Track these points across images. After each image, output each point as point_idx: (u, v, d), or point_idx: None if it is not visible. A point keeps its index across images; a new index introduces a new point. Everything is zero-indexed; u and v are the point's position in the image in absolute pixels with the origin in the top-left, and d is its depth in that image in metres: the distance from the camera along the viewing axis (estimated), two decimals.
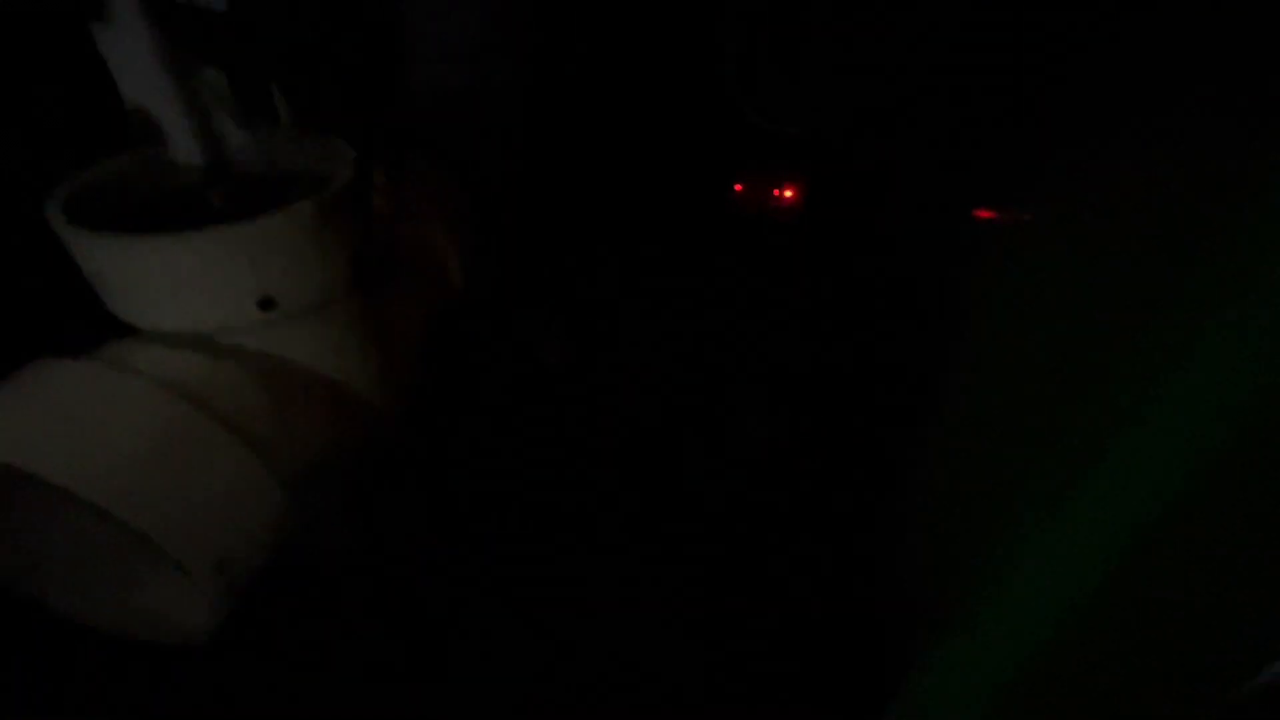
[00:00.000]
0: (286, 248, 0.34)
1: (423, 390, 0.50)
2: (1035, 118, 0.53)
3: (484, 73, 0.58)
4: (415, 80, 0.55)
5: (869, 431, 0.56)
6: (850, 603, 0.48)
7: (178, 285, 0.33)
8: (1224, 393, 0.20)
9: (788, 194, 0.69)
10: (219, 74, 0.33)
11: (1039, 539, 0.28)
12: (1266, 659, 0.25)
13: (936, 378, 0.50)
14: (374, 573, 0.44)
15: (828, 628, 0.47)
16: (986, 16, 0.55)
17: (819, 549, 0.50)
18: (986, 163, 0.61)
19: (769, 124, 0.54)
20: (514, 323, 0.55)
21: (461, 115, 0.57)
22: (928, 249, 0.63)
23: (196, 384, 0.33)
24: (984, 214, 0.65)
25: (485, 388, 0.52)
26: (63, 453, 0.28)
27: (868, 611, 0.47)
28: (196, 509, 0.30)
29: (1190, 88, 0.30)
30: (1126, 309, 0.29)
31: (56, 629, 0.35)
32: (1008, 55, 0.54)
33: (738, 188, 0.70)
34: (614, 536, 0.48)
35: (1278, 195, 0.18)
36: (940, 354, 0.53)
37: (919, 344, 0.58)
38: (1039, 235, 0.46)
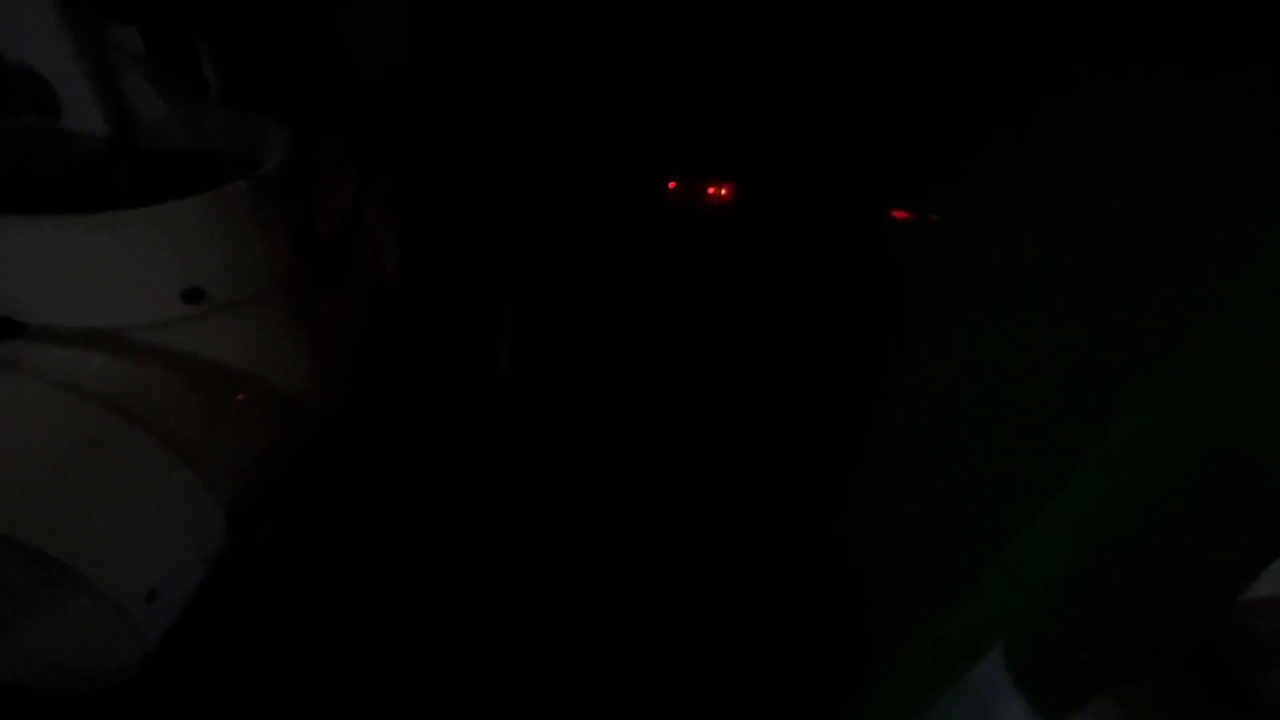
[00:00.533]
0: (218, 233, 0.30)
1: (358, 391, 0.46)
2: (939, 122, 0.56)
3: (416, 55, 0.55)
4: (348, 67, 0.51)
5: (808, 432, 0.58)
6: (811, 602, 0.49)
7: (85, 273, 0.29)
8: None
9: (721, 192, 0.70)
10: (132, 31, 0.29)
11: (1005, 537, 0.30)
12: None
13: (871, 378, 0.53)
14: (317, 594, 0.40)
15: (789, 626, 0.48)
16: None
17: (774, 548, 0.51)
18: (899, 163, 0.64)
19: (707, 115, 0.54)
20: (455, 322, 0.52)
21: (393, 101, 0.53)
22: (849, 247, 0.65)
23: (111, 387, 0.29)
24: (899, 214, 0.69)
25: (428, 388, 0.49)
26: None
27: (828, 610, 0.49)
28: (120, 529, 0.26)
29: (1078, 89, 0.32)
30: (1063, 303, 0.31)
31: None
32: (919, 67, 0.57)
33: (671, 185, 0.70)
34: (563, 535, 0.47)
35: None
36: (874, 353, 0.55)
37: (850, 341, 0.60)
38: (956, 235, 0.49)
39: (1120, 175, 0.28)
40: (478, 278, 0.56)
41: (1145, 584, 0.27)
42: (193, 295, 0.31)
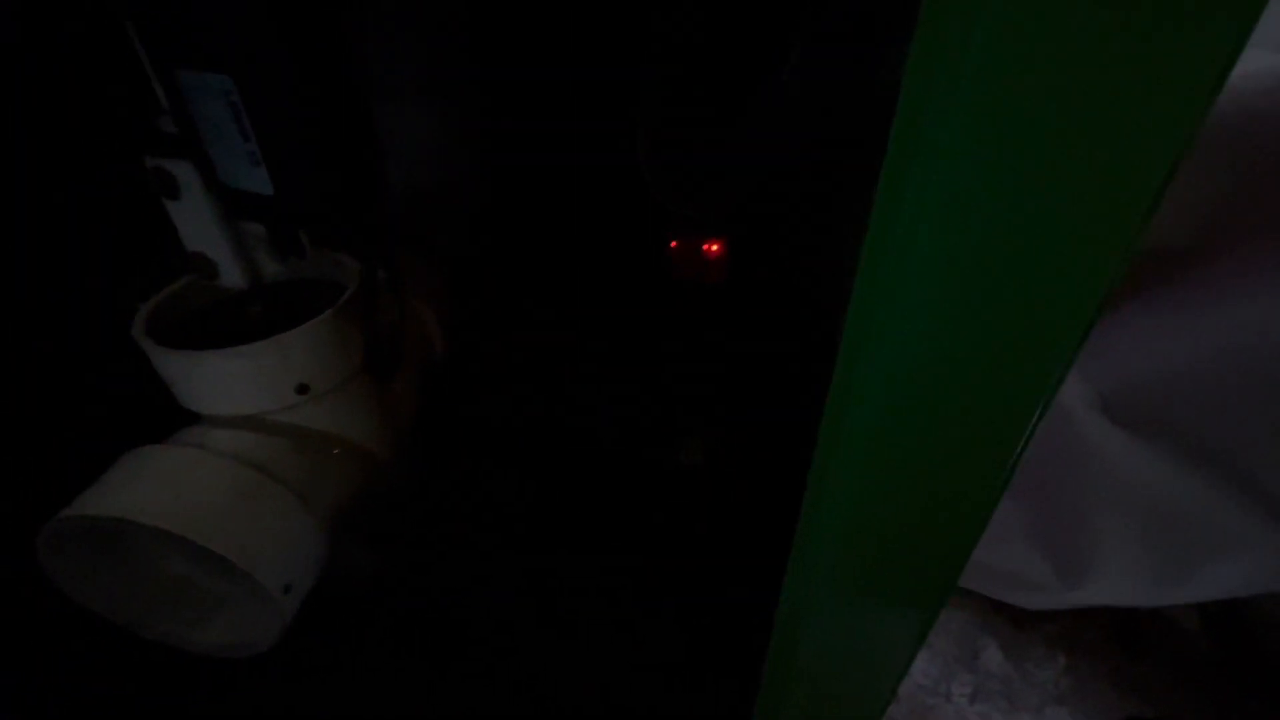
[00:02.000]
0: (316, 347, 0.46)
1: (417, 441, 0.62)
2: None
3: (449, 170, 0.71)
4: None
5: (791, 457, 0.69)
6: None
7: (235, 383, 0.45)
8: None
9: (714, 249, 0.82)
10: (259, 226, 0.45)
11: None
12: None
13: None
14: (387, 593, 0.55)
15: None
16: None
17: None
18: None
19: (671, 204, 0.67)
20: (490, 382, 0.67)
21: (433, 206, 0.70)
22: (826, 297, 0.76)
23: (255, 453, 0.45)
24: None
25: (470, 437, 0.64)
26: (171, 508, 0.39)
27: None
28: (268, 545, 0.42)
29: None
30: None
31: (149, 648, 0.46)
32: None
33: (673, 244, 0.83)
34: (582, 552, 0.60)
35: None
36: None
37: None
38: None
39: None
40: (505, 351, 0.71)
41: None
42: (302, 389, 0.46)
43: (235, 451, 0.44)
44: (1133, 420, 0.71)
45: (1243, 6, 0.18)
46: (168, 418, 0.47)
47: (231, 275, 0.47)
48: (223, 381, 0.44)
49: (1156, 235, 0.73)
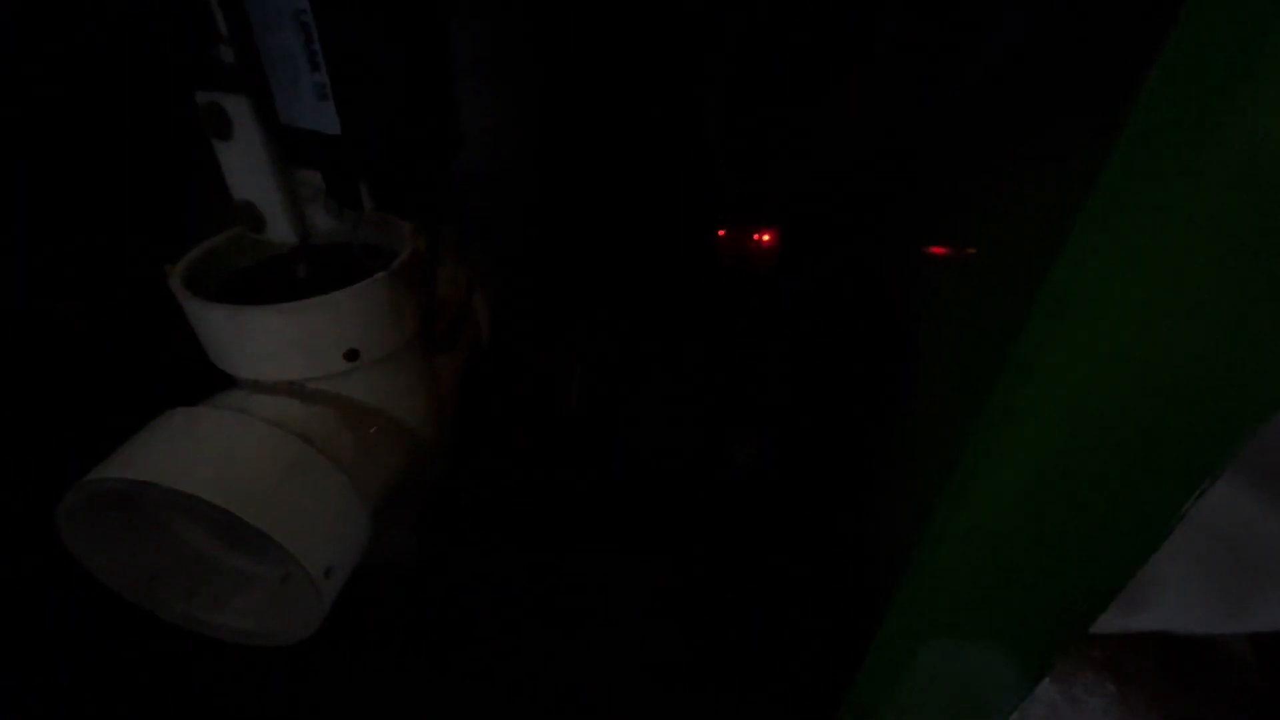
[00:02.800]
0: (369, 309, 0.42)
1: (458, 428, 0.58)
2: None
3: (498, 152, 0.67)
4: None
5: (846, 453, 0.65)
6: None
7: (281, 344, 0.41)
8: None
9: (765, 239, 0.79)
10: (314, 174, 0.42)
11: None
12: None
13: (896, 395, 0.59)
14: (429, 582, 0.51)
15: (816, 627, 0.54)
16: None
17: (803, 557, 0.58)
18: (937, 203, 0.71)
19: (741, 183, 0.63)
20: (535, 371, 0.63)
21: (483, 190, 0.66)
22: (889, 286, 0.72)
23: (300, 423, 0.41)
24: (937, 250, 0.75)
25: (512, 426, 0.60)
26: (211, 477, 0.35)
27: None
28: (312, 523, 0.37)
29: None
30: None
31: (167, 632, 0.42)
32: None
33: (720, 233, 0.80)
34: (623, 545, 0.56)
35: None
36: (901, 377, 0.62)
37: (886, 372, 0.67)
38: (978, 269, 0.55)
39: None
40: (552, 336, 0.67)
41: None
42: (351, 355, 0.42)
43: (280, 420, 0.40)
44: None
45: None
46: (196, 388, 0.43)
47: (280, 228, 0.43)
48: (267, 341, 0.40)
49: None
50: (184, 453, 0.36)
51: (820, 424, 0.65)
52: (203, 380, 0.44)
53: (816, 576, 0.56)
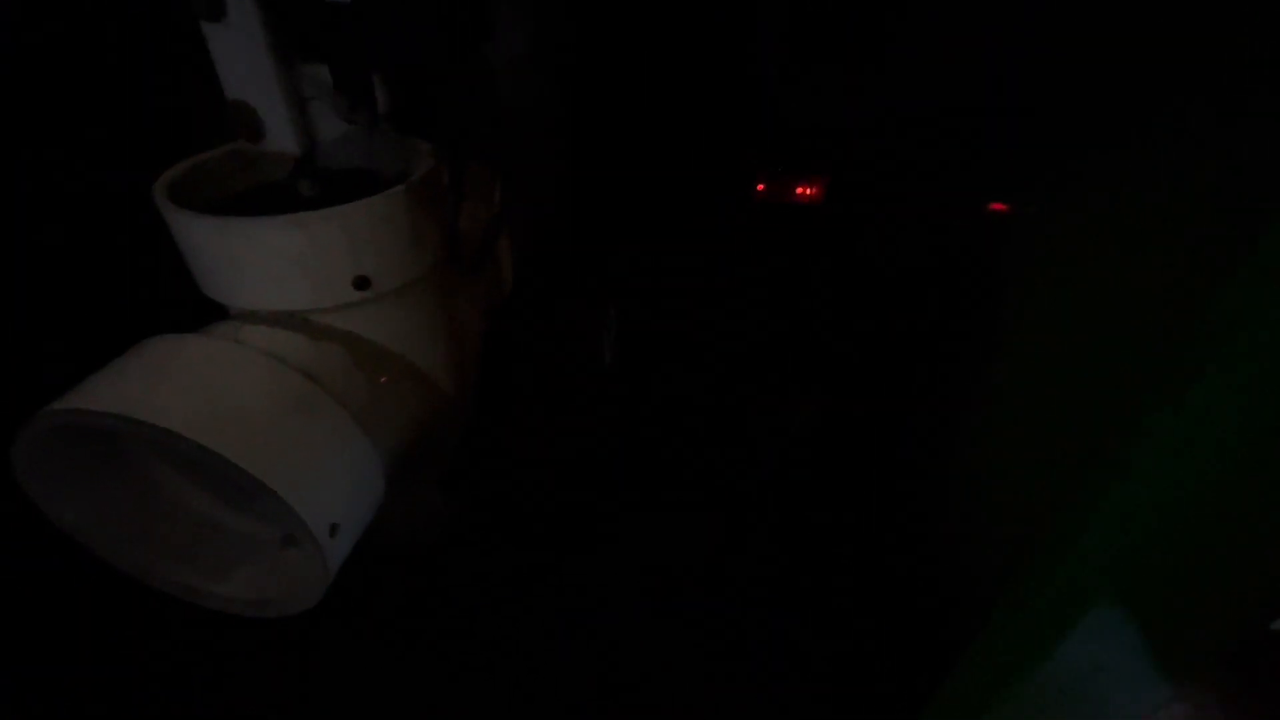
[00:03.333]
0: (384, 228, 0.36)
1: (476, 381, 0.51)
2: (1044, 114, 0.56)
3: (528, 84, 0.61)
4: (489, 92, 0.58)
5: (902, 417, 0.59)
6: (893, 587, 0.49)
7: (281, 265, 0.35)
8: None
9: (809, 191, 0.72)
10: (321, 68, 0.35)
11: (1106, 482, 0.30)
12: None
13: (966, 363, 0.53)
14: (452, 556, 0.45)
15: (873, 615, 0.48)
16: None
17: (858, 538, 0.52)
18: (995, 158, 0.64)
19: (800, 118, 0.57)
20: (566, 322, 0.57)
21: (511, 124, 0.60)
22: (943, 240, 0.66)
23: (303, 359, 0.35)
24: (997, 207, 0.69)
25: (541, 381, 0.54)
26: (196, 414, 0.29)
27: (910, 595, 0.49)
28: (315, 472, 0.32)
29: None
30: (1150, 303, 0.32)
31: (159, 603, 0.36)
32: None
33: (760, 186, 0.73)
34: (666, 518, 0.50)
35: None
36: (970, 338, 0.55)
37: (944, 328, 0.60)
38: (1058, 229, 0.49)
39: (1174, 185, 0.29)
40: (584, 278, 0.61)
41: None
42: (362, 283, 0.36)
43: (281, 353, 0.34)
44: None
45: None
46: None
47: (281, 136, 0.37)
48: (264, 261, 0.34)
49: None
50: (162, 385, 0.30)
51: (884, 392, 0.59)
52: (197, 317, 0.38)
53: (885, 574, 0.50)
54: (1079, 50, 0.48)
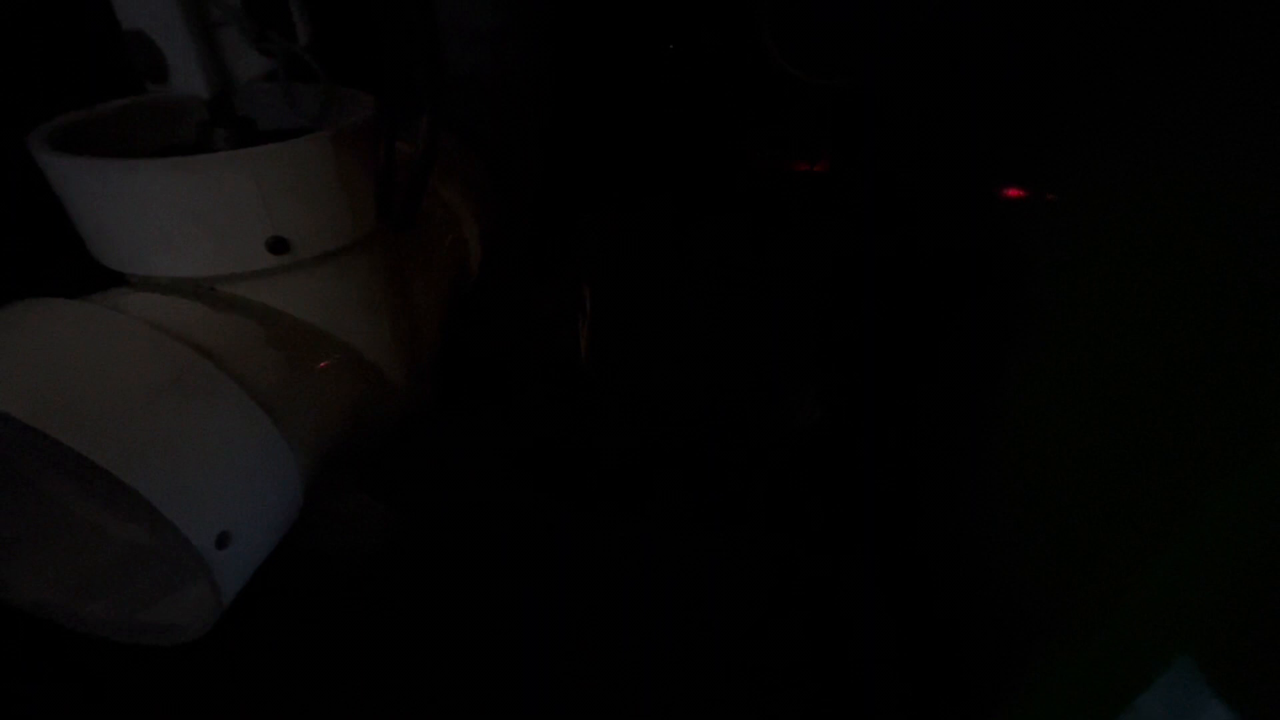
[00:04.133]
0: (301, 181, 0.30)
1: (439, 373, 0.46)
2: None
3: (503, 56, 0.56)
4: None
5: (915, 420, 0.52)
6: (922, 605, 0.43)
7: (178, 220, 0.29)
8: None
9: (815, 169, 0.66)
10: None
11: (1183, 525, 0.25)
12: None
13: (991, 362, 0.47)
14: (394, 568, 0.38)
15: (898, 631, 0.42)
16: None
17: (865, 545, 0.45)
18: (1008, 141, 0.59)
19: (798, 72, 0.51)
20: (539, 308, 0.51)
21: (482, 97, 0.55)
22: (955, 226, 0.60)
23: (198, 333, 0.29)
24: (1012, 193, 0.63)
25: (513, 372, 0.48)
26: (42, 392, 0.23)
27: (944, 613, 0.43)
28: (199, 468, 0.26)
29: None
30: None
31: (26, 628, 0.30)
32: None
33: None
34: (652, 523, 0.44)
35: None
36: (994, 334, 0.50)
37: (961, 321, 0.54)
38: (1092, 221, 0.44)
39: None
40: (562, 270, 0.55)
41: None
42: (278, 245, 0.31)
43: (170, 324, 0.28)
44: None
45: None
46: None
47: (189, 76, 0.32)
48: (156, 214, 0.29)
49: None
50: (13, 355, 0.25)
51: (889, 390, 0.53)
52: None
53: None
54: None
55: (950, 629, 0.41)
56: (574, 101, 0.57)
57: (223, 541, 0.26)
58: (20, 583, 0.30)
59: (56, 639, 0.31)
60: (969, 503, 0.44)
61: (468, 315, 0.49)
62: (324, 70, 0.32)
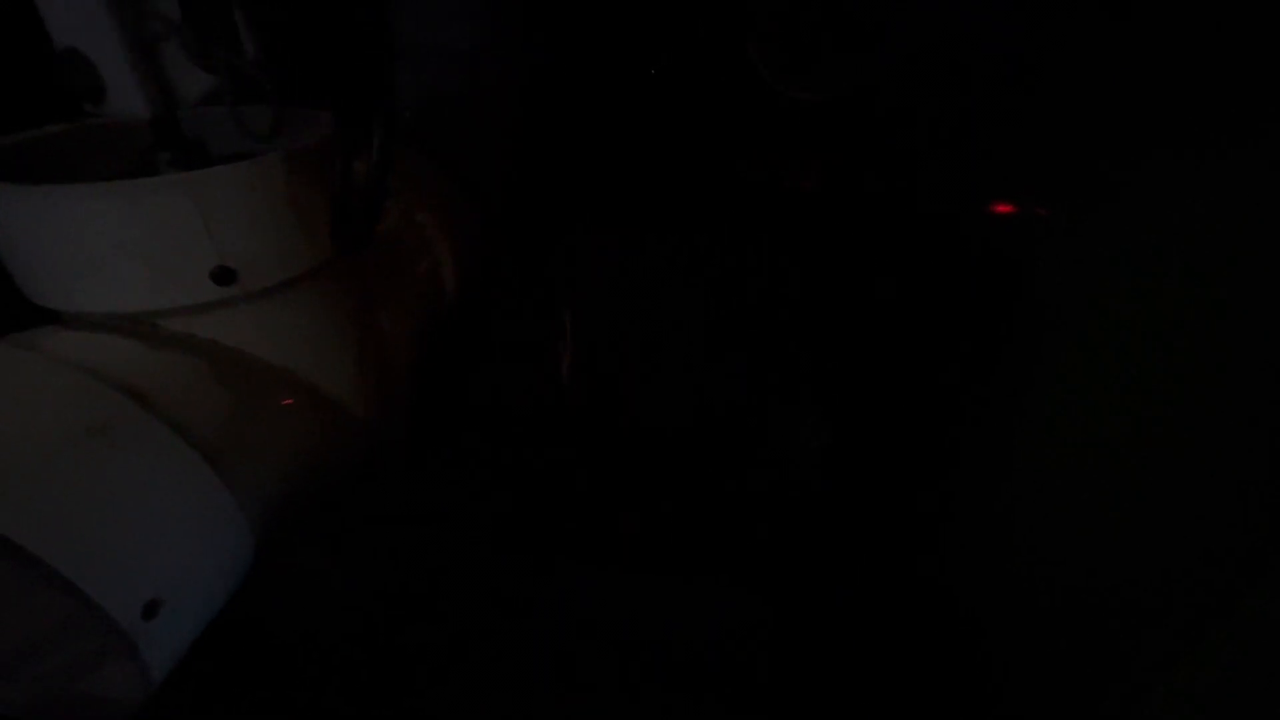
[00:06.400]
0: (248, 207, 0.28)
1: (418, 409, 0.43)
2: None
3: (479, 75, 0.54)
4: (408, 82, 0.51)
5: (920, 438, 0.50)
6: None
7: (111, 250, 0.26)
8: None
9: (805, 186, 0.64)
10: (171, 5, 0.28)
11: None
12: None
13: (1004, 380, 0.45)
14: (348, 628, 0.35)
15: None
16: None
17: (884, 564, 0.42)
18: (997, 156, 0.57)
19: (787, 90, 0.49)
20: (518, 334, 0.48)
21: (456, 117, 0.53)
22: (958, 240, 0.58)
23: (134, 375, 0.26)
24: (1001, 209, 0.61)
25: (492, 403, 0.45)
26: None
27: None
28: (120, 527, 0.23)
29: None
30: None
31: None
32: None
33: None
34: (646, 555, 0.41)
35: None
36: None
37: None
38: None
39: None
40: (543, 296, 0.53)
41: None
42: (223, 276, 0.28)
43: (98, 364, 0.25)
44: None
45: None
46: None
47: (127, 95, 0.30)
48: (89, 245, 0.26)
49: None
50: None
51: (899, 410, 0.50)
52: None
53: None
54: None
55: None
56: (554, 121, 0.55)
57: (151, 610, 0.23)
58: None
59: None
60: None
61: (449, 343, 0.47)
62: (273, 86, 0.29)
